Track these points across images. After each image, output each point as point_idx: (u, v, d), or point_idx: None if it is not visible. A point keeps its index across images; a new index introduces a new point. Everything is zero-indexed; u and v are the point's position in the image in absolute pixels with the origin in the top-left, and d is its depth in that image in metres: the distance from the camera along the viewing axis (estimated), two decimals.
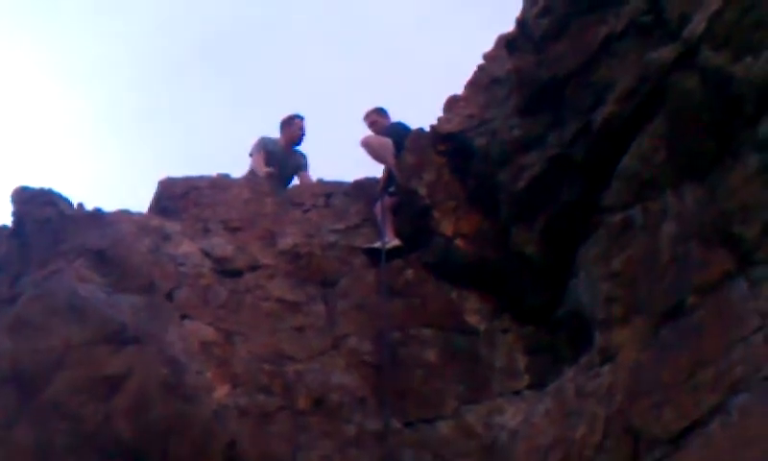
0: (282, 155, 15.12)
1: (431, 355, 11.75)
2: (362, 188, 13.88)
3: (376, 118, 14.77)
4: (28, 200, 12.11)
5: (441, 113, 13.33)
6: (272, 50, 43.82)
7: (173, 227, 12.61)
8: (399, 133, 13.95)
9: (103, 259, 11.44)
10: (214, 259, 12.32)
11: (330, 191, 13.84)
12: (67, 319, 10.69)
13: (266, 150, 14.91)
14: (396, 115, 14.94)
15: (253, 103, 42.47)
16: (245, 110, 41.88)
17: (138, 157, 41.03)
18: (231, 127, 38.42)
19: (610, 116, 10.26)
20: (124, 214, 12.58)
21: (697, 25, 9.24)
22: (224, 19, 44.24)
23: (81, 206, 12.33)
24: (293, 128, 15.51)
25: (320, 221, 13.27)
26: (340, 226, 13.22)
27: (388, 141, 13.95)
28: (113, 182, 36.19)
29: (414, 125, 14.05)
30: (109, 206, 12.57)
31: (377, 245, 12.82)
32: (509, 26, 12.20)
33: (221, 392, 10.88)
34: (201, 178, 13.68)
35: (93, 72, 45.37)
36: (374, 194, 13.63)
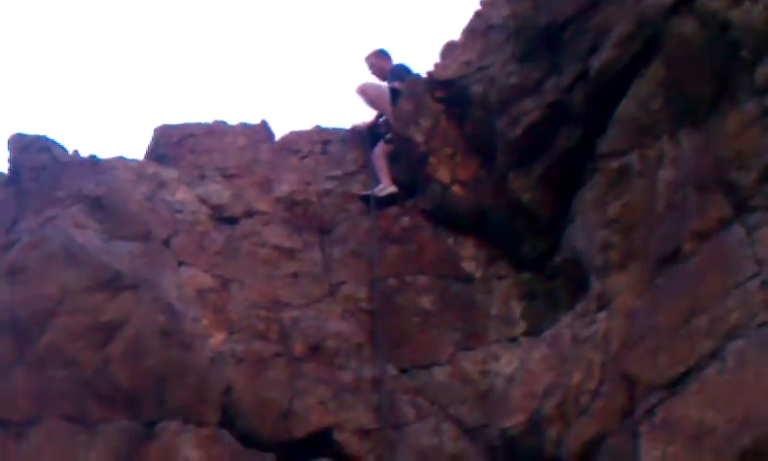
0: None
1: (427, 302, 11.77)
2: (359, 135, 13.82)
3: (376, 61, 14.64)
4: (23, 147, 12.10)
5: (437, 59, 13.28)
6: None
7: (169, 174, 12.57)
8: (402, 77, 13.87)
9: (99, 206, 11.43)
10: (210, 206, 12.29)
11: (327, 138, 13.78)
12: (64, 266, 10.69)
13: None
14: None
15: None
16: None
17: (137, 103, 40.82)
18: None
19: (607, 62, 10.23)
20: (120, 161, 12.53)
21: None
22: None
23: (76, 152, 12.30)
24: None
25: (316, 168, 13.23)
26: (337, 172, 13.18)
27: (384, 88, 13.88)
28: (111, 129, 35.98)
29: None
30: (105, 153, 12.55)
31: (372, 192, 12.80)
32: None
33: (217, 338, 10.91)
34: (197, 124, 13.61)
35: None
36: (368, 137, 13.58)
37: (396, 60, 14.54)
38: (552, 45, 10.94)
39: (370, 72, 14.59)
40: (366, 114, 14.16)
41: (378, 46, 14.81)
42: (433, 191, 12.44)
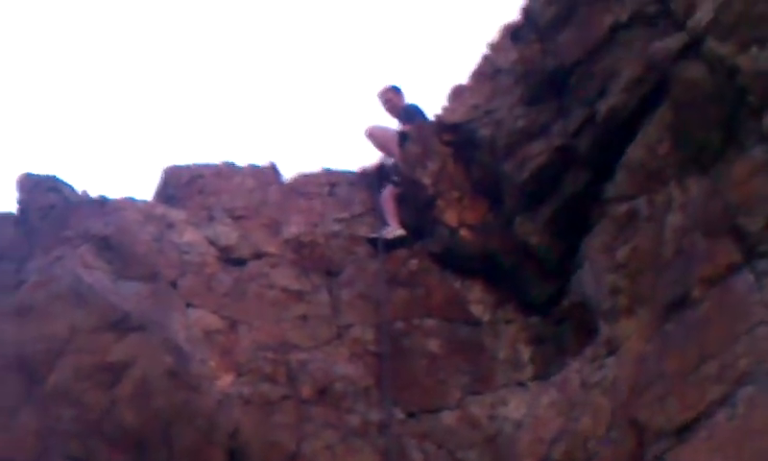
0: None
1: (435, 346, 11.75)
2: (367, 177, 13.85)
3: (391, 96, 14.65)
4: (32, 186, 12.13)
5: (445, 102, 13.33)
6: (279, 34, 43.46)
7: (177, 215, 12.60)
8: (414, 117, 13.92)
9: (107, 246, 11.45)
10: (218, 248, 12.31)
11: (335, 180, 13.81)
12: (71, 305, 10.70)
13: None
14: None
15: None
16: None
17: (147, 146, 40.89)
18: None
19: (615, 106, 10.26)
20: (128, 201, 12.57)
21: (703, 15, 9.21)
22: None
23: (85, 192, 12.33)
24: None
25: (324, 210, 13.24)
26: (344, 215, 13.20)
27: (392, 131, 13.92)
28: (120, 170, 36.06)
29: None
30: (114, 193, 12.59)
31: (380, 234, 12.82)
32: (514, 15, 12.20)
33: (225, 380, 10.90)
34: (206, 166, 13.66)
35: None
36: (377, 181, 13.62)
37: (407, 100, 14.59)
38: (559, 89, 10.97)
39: (384, 108, 14.61)
40: (373, 157, 14.22)
41: (391, 82, 14.87)
42: (441, 234, 12.45)
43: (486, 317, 11.91)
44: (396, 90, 14.71)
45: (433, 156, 12.86)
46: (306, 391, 11.14)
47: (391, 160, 13.78)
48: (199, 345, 11.07)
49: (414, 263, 12.50)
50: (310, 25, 43.09)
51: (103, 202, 12.23)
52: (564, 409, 10.09)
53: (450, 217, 12.40)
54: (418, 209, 12.86)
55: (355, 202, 13.49)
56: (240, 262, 12.25)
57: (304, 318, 11.85)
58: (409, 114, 14.13)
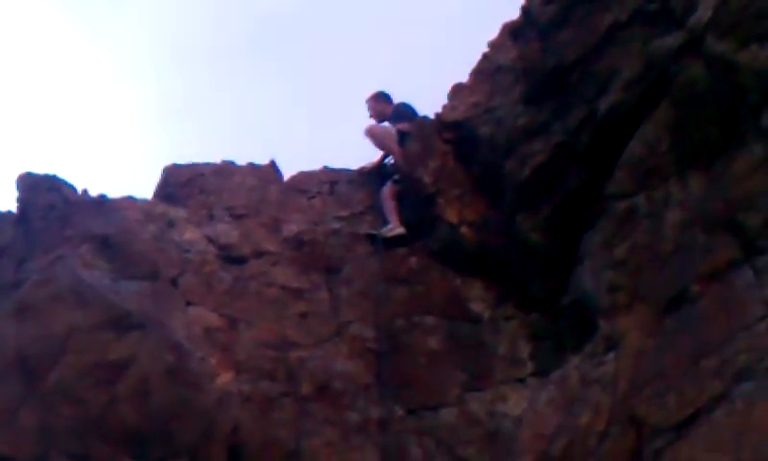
0: None
1: (435, 343, 11.77)
2: (367, 176, 13.87)
3: (375, 104, 14.65)
4: (33, 186, 12.12)
5: (445, 100, 13.34)
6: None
7: (177, 213, 12.62)
8: (406, 116, 13.93)
9: (107, 246, 11.45)
10: (218, 246, 12.34)
11: (335, 179, 13.84)
12: (72, 305, 10.69)
13: None
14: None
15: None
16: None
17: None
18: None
19: (614, 104, 10.26)
20: (129, 201, 12.60)
21: (703, 13, 9.23)
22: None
23: (85, 192, 12.33)
24: None
25: (324, 208, 13.27)
26: (344, 213, 13.23)
27: (392, 130, 13.93)
28: (121, 169, 36.08)
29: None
30: (114, 192, 12.61)
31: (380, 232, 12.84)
32: (514, 14, 12.21)
33: (224, 378, 10.92)
34: (206, 164, 13.68)
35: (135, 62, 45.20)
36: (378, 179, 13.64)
37: (406, 100, 14.57)
38: (559, 87, 10.98)
39: (369, 114, 14.62)
40: (373, 155, 14.23)
41: (379, 89, 14.88)
42: (441, 232, 12.47)
43: (486, 314, 11.93)
44: (382, 96, 14.70)
45: (433, 153, 12.88)
46: (306, 388, 11.17)
47: (391, 159, 13.80)
48: (199, 343, 11.10)
49: (414, 261, 12.52)
50: (309, 22, 42.99)
51: (103, 201, 12.24)
52: (563, 405, 10.08)
53: (451, 215, 12.43)
54: (418, 207, 12.88)
55: (355, 200, 13.51)
56: (240, 260, 12.28)
57: (304, 316, 11.88)
58: (401, 114, 14.15)
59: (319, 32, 42.38)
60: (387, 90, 14.89)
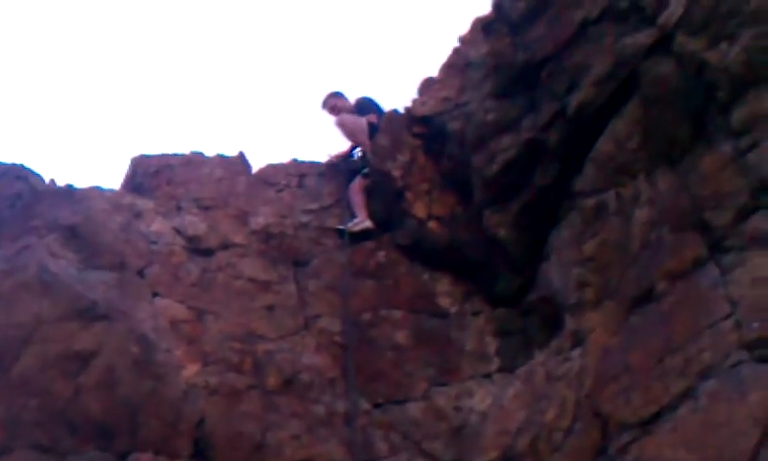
0: None
1: (402, 337, 11.77)
2: (336, 169, 13.85)
3: (335, 102, 14.59)
4: None
5: (415, 95, 13.34)
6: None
7: (145, 204, 12.56)
8: (368, 110, 13.93)
9: (74, 235, 11.39)
10: (186, 237, 12.28)
11: (304, 171, 13.79)
12: (38, 294, 10.62)
13: None
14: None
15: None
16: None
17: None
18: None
19: (584, 101, 10.27)
20: (96, 191, 12.52)
21: (673, 11, 9.25)
22: None
23: (52, 181, 12.26)
24: None
25: (293, 201, 13.23)
26: (313, 206, 13.19)
27: (363, 121, 13.89)
28: (88, 159, 35.89)
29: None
30: (82, 182, 12.53)
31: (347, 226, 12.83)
32: (485, 9, 12.21)
33: (191, 370, 10.88)
34: (174, 155, 13.60)
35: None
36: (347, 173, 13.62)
37: (376, 96, 14.55)
38: (530, 83, 10.98)
39: (330, 115, 14.52)
40: (341, 146, 14.20)
41: (331, 89, 14.81)
42: (409, 226, 12.47)
43: (453, 309, 11.95)
44: (339, 95, 14.66)
45: (403, 148, 12.87)
46: (272, 381, 11.14)
47: (359, 151, 13.79)
48: (165, 334, 11.05)
49: (382, 255, 12.52)
50: (279, 14, 42.93)
51: (70, 191, 12.17)
52: (529, 401, 10.13)
53: (419, 209, 12.43)
54: (387, 201, 12.87)
55: (324, 193, 13.48)
56: (207, 252, 12.22)
57: (271, 308, 11.85)
58: (365, 107, 14.14)
59: (286, 20, 42.25)
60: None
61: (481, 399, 11.06)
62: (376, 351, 11.65)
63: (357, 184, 13.27)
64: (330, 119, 14.47)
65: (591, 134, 10.19)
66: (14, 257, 11.01)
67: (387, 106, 14.07)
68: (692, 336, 8.26)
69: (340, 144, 14.25)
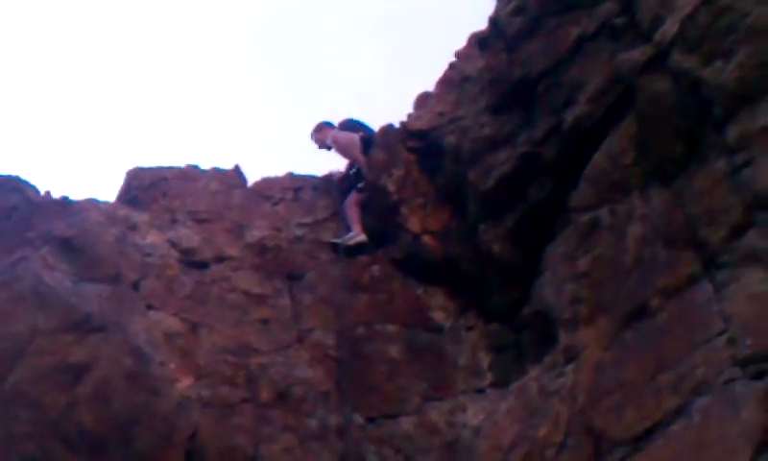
0: None
1: (395, 352, 11.76)
2: (331, 183, 13.85)
3: (328, 132, 14.51)
4: None
5: (411, 110, 13.35)
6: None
7: (140, 217, 12.56)
8: (356, 128, 13.93)
9: (69, 248, 11.39)
10: (180, 250, 12.29)
11: (299, 185, 13.81)
12: (32, 306, 10.64)
13: None
14: None
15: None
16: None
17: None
18: None
19: (580, 117, 10.30)
20: (91, 203, 12.51)
21: (669, 28, 9.26)
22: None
23: (48, 194, 12.27)
24: None
25: (288, 215, 13.25)
26: (308, 220, 13.20)
27: (355, 138, 13.88)
28: (84, 171, 35.91)
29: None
30: (77, 195, 12.53)
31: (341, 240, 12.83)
32: (481, 24, 12.24)
33: (184, 383, 10.87)
34: (169, 168, 13.61)
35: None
36: (340, 188, 13.62)
37: (371, 108, 14.55)
38: (526, 98, 11.00)
39: (318, 146, 14.53)
40: (340, 164, 14.21)
41: (321, 119, 14.80)
42: (404, 241, 12.47)
43: (447, 324, 11.95)
44: (328, 125, 14.62)
45: (398, 162, 12.89)
46: (265, 394, 11.13)
47: (354, 167, 13.78)
48: (159, 347, 11.04)
49: (376, 269, 12.52)
50: (275, 29, 42.99)
51: (66, 203, 12.18)
52: (522, 416, 10.12)
53: (414, 224, 12.44)
54: (381, 215, 12.88)
55: (319, 207, 13.50)
56: (202, 265, 12.23)
57: (265, 322, 11.85)
58: (350, 127, 14.11)
59: (285, 36, 42.29)
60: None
61: (474, 413, 11.05)
62: (370, 365, 11.64)
63: (353, 199, 13.26)
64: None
65: (586, 150, 10.20)
66: (9, 269, 11.03)
67: (380, 121, 14.09)
68: (685, 353, 8.25)
69: (335, 159, 14.29)
